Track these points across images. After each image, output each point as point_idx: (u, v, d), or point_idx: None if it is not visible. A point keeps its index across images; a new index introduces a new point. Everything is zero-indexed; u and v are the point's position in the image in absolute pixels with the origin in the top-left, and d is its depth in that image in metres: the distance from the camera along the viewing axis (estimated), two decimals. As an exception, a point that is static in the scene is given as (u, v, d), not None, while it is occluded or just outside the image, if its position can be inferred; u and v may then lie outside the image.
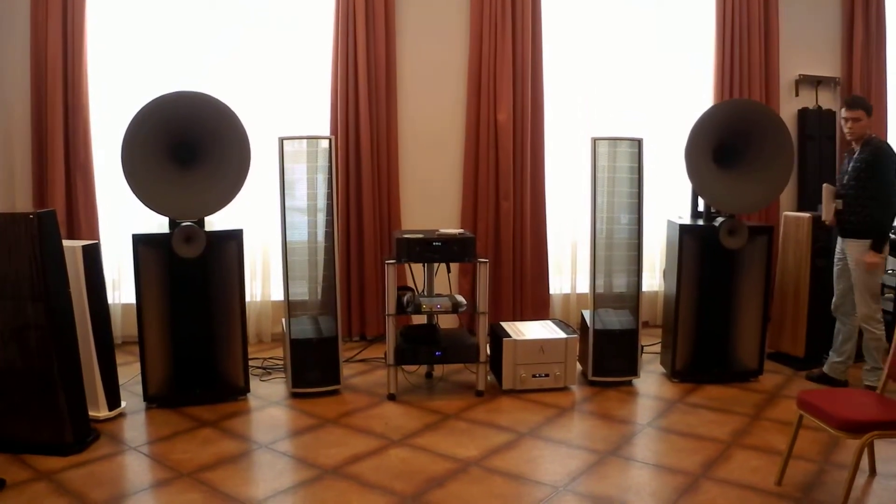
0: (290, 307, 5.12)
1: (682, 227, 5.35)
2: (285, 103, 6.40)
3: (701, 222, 5.46)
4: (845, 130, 5.15)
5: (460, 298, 5.23)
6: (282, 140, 5.01)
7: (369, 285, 6.46)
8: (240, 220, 5.30)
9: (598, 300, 5.42)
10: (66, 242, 4.35)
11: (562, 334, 5.29)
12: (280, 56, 6.39)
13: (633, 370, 5.39)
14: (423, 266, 5.41)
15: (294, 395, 5.10)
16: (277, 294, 6.28)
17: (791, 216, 5.87)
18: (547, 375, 5.20)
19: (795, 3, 7.16)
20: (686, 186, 5.57)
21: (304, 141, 5.15)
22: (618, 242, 5.39)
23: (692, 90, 7.02)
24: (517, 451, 4.25)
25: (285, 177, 5.03)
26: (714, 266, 5.44)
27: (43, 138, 5.93)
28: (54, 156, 5.89)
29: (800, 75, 7.24)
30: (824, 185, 5.42)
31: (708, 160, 5.22)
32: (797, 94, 7.28)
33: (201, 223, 4.87)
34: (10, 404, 4.13)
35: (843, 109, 5.19)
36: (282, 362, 5.64)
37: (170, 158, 4.79)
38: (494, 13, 6.44)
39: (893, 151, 5.07)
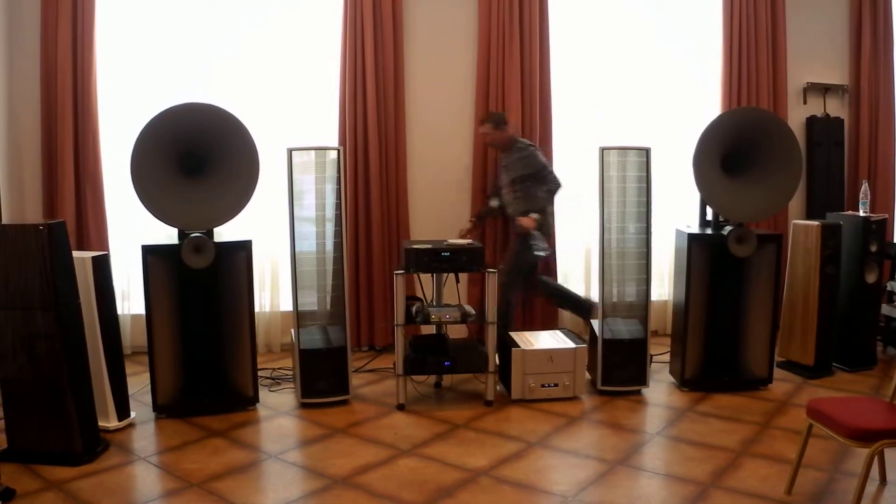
0: (299, 317, 5.13)
1: (691, 236, 5.35)
2: (294, 114, 6.42)
3: (709, 231, 5.45)
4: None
5: (469, 308, 5.23)
6: (290, 151, 5.03)
7: (378, 295, 6.47)
8: (249, 231, 5.31)
9: (607, 309, 5.41)
10: (75, 253, 4.37)
11: (570, 344, 5.28)
12: (288, 66, 6.42)
13: (643, 379, 5.37)
14: (432, 276, 5.41)
15: (303, 405, 5.10)
16: (286, 304, 6.28)
17: (800, 224, 5.86)
18: (556, 385, 5.19)
19: (803, 12, 7.16)
20: (694, 195, 5.57)
21: (313, 151, 5.17)
22: (626, 252, 5.38)
23: (700, 99, 7.02)
24: (526, 461, 4.25)
25: (294, 187, 5.04)
26: (723, 275, 5.44)
27: (52, 149, 5.96)
28: (64, 167, 5.92)
29: (808, 83, 7.24)
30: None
31: (716, 169, 5.22)
32: (805, 102, 7.28)
33: (210, 234, 4.89)
34: (20, 414, 4.15)
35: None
36: (291, 372, 5.66)
37: (179, 169, 4.82)
38: (502, 23, 6.45)
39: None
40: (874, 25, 7.19)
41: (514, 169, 6.00)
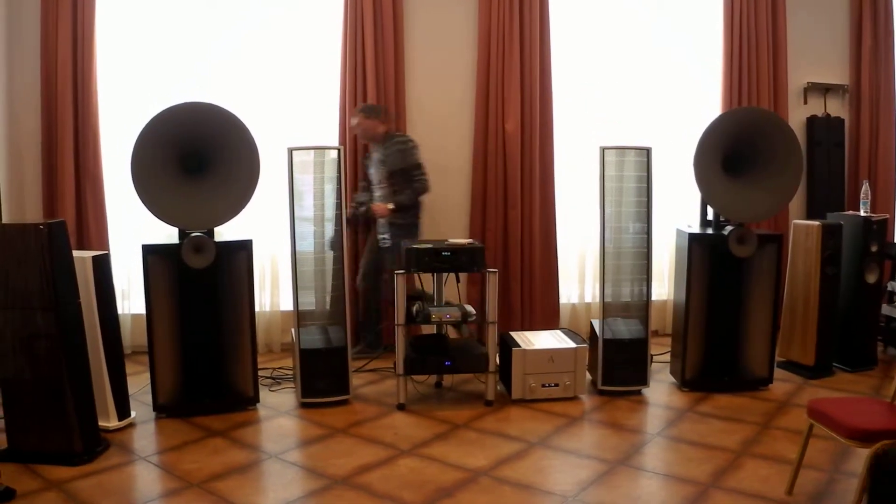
0: (300, 317, 5.13)
1: (692, 236, 5.34)
2: (294, 113, 6.42)
3: (710, 231, 5.45)
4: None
5: (469, 308, 5.22)
6: (291, 150, 5.03)
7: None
8: (249, 231, 5.31)
9: (608, 309, 5.41)
10: (76, 253, 4.36)
11: (571, 344, 5.28)
12: (289, 66, 6.42)
13: (643, 379, 5.37)
14: (433, 276, 5.41)
15: (303, 405, 5.10)
16: (286, 304, 6.28)
17: (800, 224, 5.85)
18: (556, 385, 5.19)
19: (803, 11, 7.16)
20: (695, 195, 5.57)
21: (313, 151, 5.17)
22: (627, 251, 5.38)
23: (701, 99, 7.02)
24: (527, 461, 4.25)
25: (294, 187, 5.04)
26: (723, 275, 5.43)
27: (53, 149, 5.96)
28: (64, 166, 5.92)
29: (808, 83, 7.24)
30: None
31: (717, 169, 5.22)
32: (806, 102, 7.28)
33: (211, 233, 4.88)
34: (19, 414, 4.14)
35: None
36: (291, 372, 5.65)
37: (179, 169, 4.81)
38: (503, 22, 6.45)
39: None
40: (875, 25, 7.18)
41: (392, 162, 5.90)
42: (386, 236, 5.93)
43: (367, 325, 6.27)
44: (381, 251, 6.03)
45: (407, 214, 5.94)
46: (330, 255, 5.19)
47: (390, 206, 5.81)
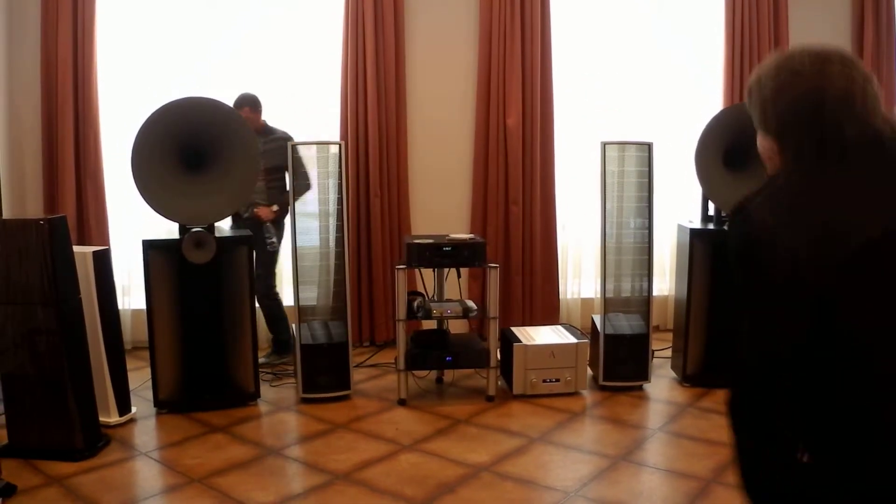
0: (301, 312, 5.12)
1: (693, 231, 5.34)
2: (295, 109, 6.40)
3: (711, 226, 5.44)
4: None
5: (471, 303, 5.22)
6: (292, 145, 5.03)
7: (379, 290, 6.46)
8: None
9: (609, 304, 5.40)
10: (76, 248, 4.36)
11: (572, 339, 5.27)
12: (290, 62, 6.40)
13: (644, 375, 5.37)
14: (434, 271, 5.40)
15: (304, 401, 5.09)
16: (288, 299, 6.27)
17: (802, 220, 5.83)
18: (557, 380, 5.19)
19: (805, 7, 7.13)
20: (696, 190, 5.56)
21: (314, 146, 5.17)
22: (628, 247, 5.37)
23: (702, 94, 6.99)
24: (528, 457, 4.24)
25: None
26: (724, 270, 5.41)
27: (53, 144, 5.95)
28: (65, 162, 5.91)
29: (810, 79, 7.21)
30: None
31: (718, 164, 5.21)
32: (807, 98, 7.25)
33: (211, 228, 4.88)
34: (20, 410, 4.14)
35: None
36: (292, 367, 5.65)
37: (180, 164, 4.81)
38: (504, 18, 6.44)
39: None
40: (876, 22, 7.16)
41: (272, 158, 5.60)
42: (274, 240, 5.64)
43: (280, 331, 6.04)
44: (270, 255, 5.74)
45: (285, 212, 5.65)
46: (332, 250, 5.19)
47: (274, 208, 5.64)
